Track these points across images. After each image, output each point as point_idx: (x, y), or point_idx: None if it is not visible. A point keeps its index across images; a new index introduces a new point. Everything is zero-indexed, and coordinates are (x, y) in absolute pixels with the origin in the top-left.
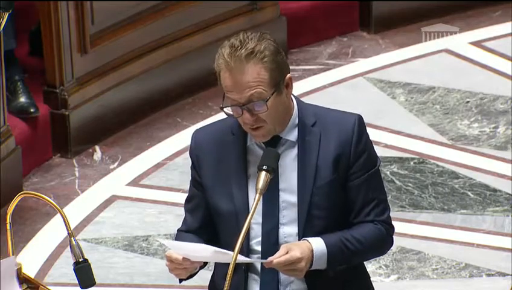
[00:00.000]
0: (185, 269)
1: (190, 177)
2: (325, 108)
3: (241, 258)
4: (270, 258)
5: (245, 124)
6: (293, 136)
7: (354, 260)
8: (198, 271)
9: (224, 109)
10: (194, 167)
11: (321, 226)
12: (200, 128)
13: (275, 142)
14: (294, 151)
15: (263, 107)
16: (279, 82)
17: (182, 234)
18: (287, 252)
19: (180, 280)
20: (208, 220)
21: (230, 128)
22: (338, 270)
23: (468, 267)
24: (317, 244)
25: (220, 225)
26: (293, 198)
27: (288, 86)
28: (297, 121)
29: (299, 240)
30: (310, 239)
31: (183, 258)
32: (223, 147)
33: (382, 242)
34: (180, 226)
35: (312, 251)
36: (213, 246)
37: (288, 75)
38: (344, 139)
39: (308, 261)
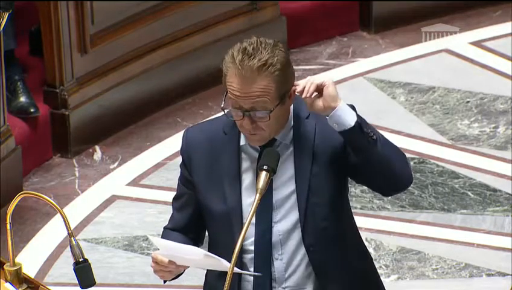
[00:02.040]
0: (170, 272)
1: (179, 175)
2: None
3: (235, 270)
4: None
5: (242, 128)
6: (287, 138)
7: (376, 148)
8: (183, 273)
9: (225, 110)
10: (185, 166)
11: (322, 214)
12: (192, 126)
13: (270, 144)
14: (290, 148)
15: (265, 117)
16: (285, 94)
17: (167, 232)
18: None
19: (164, 281)
20: (195, 219)
21: (222, 127)
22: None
23: (468, 267)
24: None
25: (212, 225)
26: (289, 192)
27: (291, 96)
28: (292, 123)
29: (302, 230)
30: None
31: (169, 261)
32: (215, 146)
33: (403, 160)
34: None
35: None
36: (198, 246)
37: (294, 87)
38: None
39: (337, 94)
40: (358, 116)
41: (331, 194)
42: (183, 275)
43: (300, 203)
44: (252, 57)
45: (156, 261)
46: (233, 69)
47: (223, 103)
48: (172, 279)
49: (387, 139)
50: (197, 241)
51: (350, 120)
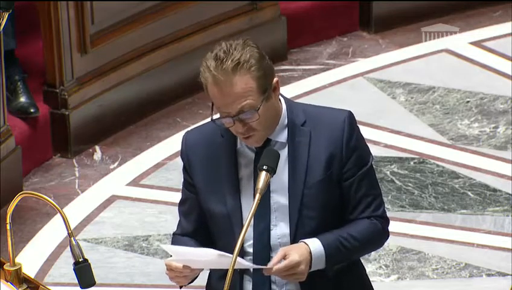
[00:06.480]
0: (185, 277)
1: (182, 180)
2: (314, 106)
3: (242, 263)
4: (269, 265)
5: (236, 133)
6: (282, 137)
7: (352, 257)
8: (198, 275)
9: (216, 120)
10: (186, 170)
11: (312, 226)
12: (191, 130)
13: (265, 145)
14: (285, 152)
15: (254, 116)
16: (267, 88)
17: (177, 238)
18: (284, 257)
19: (181, 286)
20: (202, 222)
21: (219, 130)
22: (336, 268)
23: (468, 267)
24: (314, 245)
25: (213, 227)
26: (284, 199)
27: (276, 89)
28: (286, 122)
29: (291, 240)
30: (307, 241)
31: (184, 266)
32: (214, 149)
33: (378, 237)
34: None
35: (310, 252)
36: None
37: (275, 79)
38: (335, 137)
39: (308, 264)
40: (326, 259)
41: (324, 207)
42: None
43: (292, 215)
44: (224, 60)
45: (170, 268)
46: (210, 77)
47: (212, 113)
48: (189, 283)
49: (364, 236)
50: (207, 244)
51: (321, 266)
